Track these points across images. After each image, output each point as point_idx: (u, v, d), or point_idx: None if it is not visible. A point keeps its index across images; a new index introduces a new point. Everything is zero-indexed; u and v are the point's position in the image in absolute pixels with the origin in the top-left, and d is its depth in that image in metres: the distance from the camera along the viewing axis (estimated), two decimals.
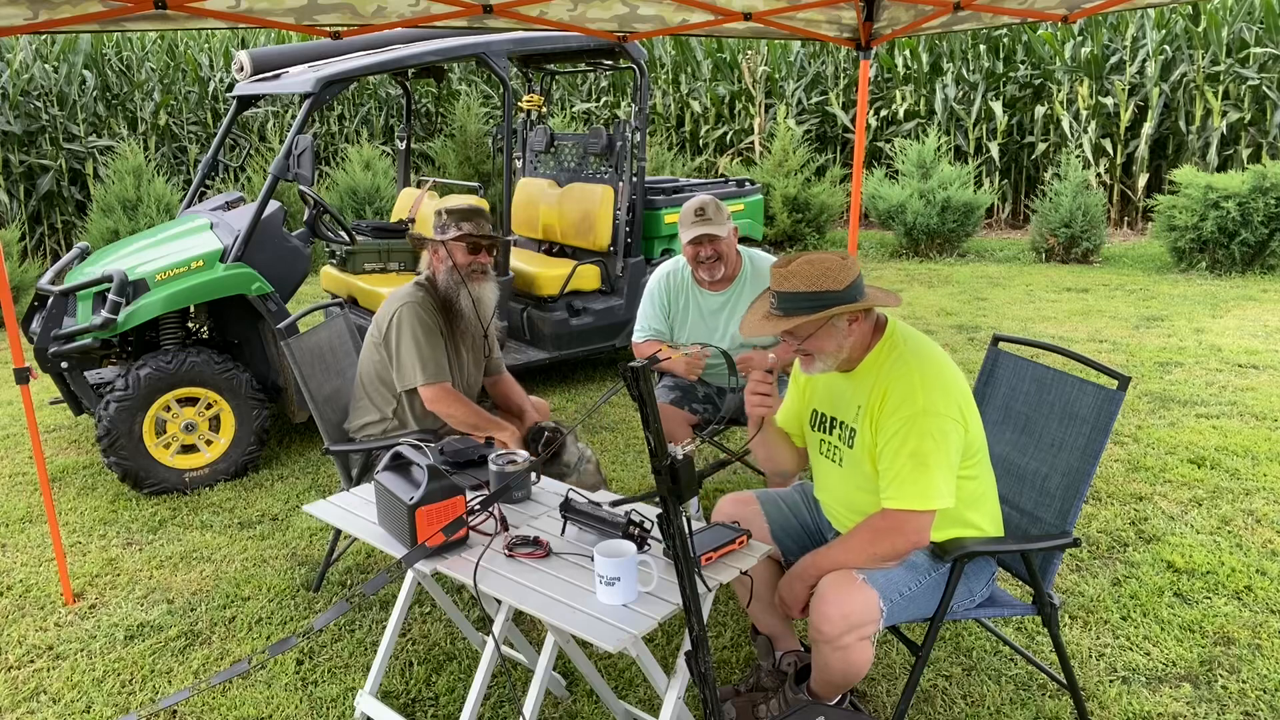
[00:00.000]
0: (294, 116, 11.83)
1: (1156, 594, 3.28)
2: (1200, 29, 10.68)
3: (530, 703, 2.24)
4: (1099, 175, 11.33)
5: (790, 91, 12.92)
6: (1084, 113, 11.11)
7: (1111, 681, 2.81)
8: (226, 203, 5.37)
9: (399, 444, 2.47)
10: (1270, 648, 2.95)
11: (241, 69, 5.34)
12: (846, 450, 2.42)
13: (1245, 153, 10.62)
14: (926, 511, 2.25)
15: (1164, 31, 11.00)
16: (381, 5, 3.19)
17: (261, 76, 5.33)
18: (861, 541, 2.30)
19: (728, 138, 13.18)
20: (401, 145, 6.61)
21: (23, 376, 3.26)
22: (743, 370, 3.49)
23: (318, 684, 2.91)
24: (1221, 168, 10.75)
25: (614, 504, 2.07)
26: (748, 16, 3.72)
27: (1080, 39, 11.33)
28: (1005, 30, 11.92)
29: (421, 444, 2.51)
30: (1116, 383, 2.43)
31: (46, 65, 10.64)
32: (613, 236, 5.69)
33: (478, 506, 2.41)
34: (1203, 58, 10.70)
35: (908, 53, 12.43)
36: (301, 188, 4.90)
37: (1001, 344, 2.86)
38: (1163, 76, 11.09)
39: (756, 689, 2.65)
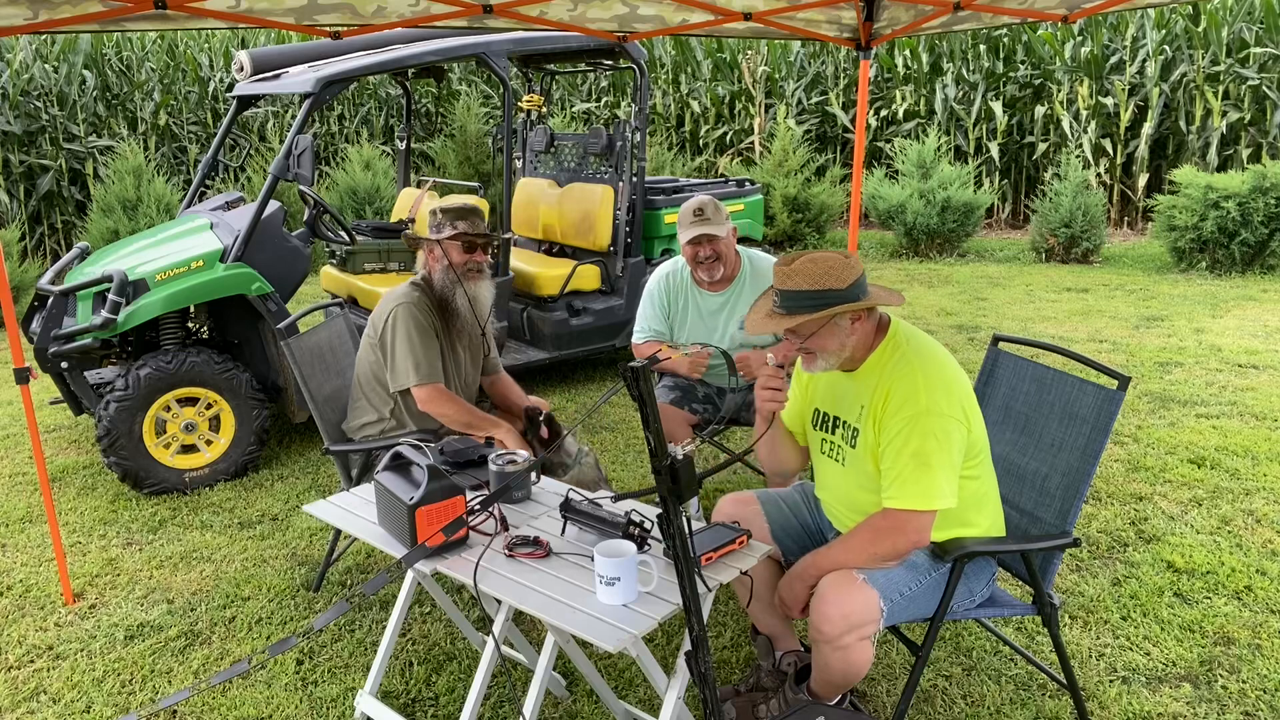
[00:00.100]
0: (294, 116, 11.83)
1: (1156, 594, 3.28)
2: (1200, 29, 10.68)
3: (530, 703, 2.24)
4: (1099, 175, 11.33)
5: (790, 91, 12.92)
6: (1084, 113, 11.11)
7: (1111, 681, 2.81)
8: (226, 203, 5.37)
9: (399, 444, 2.47)
10: (1270, 648, 2.95)
11: (241, 69, 5.34)
12: (849, 450, 2.42)
13: (1245, 153, 10.62)
14: (928, 511, 2.25)
15: (1164, 31, 11.00)
16: (381, 5, 3.19)
17: (261, 76, 5.33)
18: (862, 541, 2.30)
19: (728, 138, 13.18)
20: (401, 145, 6.60)
21: (23, 376, 3.26)
22: (743, 371, 3.49)
23: (318, 684, 2.91)
24: (1221, 168, 10.75)
25: (615, 499, 2.07)
26: (748, 16, 3.72)
27: (1080, 39, 11.33)
28: (1005, 30, 11.92)
29: (421, 444, 2.51)
30: (1116, 383, 2.43)
31: (46, 65, 10.64)
32: (613, 236, 5.69)
33: (478, 506, 2.41)
34: (1203, 58, 10.70)
35: (908, 53, 12.43)
36: (301, 188, 4.90)
37: (1001, 344, 2.86)
38: (1163, 76, 11.09)
39: (756, 689, 2.65)
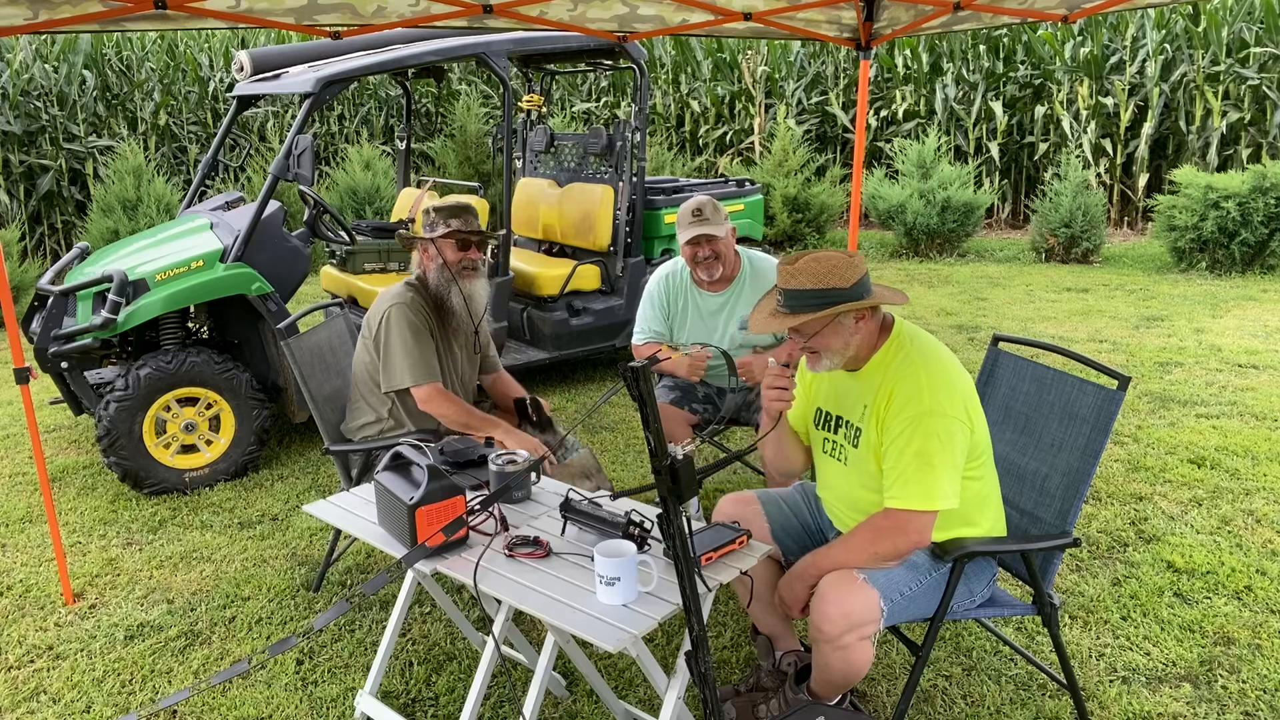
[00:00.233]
0: (294, 116, 11.83)
1: (1156, 594, 3.28)
2: (1200, 29, 10.69)
3: (530, 703, 2.24)
4: (1099, 175, 11.33)
5: (790, 91, 12.92)
6: (1084, 113, 11.11)
7: (1111, 681, 2.81)
8: (226, 203, 5.37)
9: (399, 444, 2.47)
10: (1270, 648, 2.95)
11: (241, 69, 5.34)
12: (851, 449, 2.42)
13: (1245, 153, 10.62)
14: (929, 511, 2.25)
15: (1164, 31, 11.00)
16: (381, 5, 3.19)
17: (261, 76, 5.33)
18: (863, 541, 2.30)
19: (728, 138, 13.18)
20: (401, 145, 6.61)
21: (23, 376, 3.26)
22: (743, 375, 3.49)
23: (318, 684, 2.91)
24: (1221, 168, 10.75)
25: (614, 496, 2.07)
26: (748, 16, 3.72)
27: (1080, 39, 11.33)
28: (1005, 30, 11.92)
29: (421, 444, 2.51)
30: (1116, 383, 2.43)
31: (46, 65, 10.64)
32: (613, 236, 5.69)
33: (478, 506, 2.41)
34: (1203, 58, 10.70)
35: (908, 53, 12.43)
36: (301, 188, 4.90)
37: (1001, 344, 2.86)
38: (1163, 76, 11.09)
39: (756, 689, 2.65)
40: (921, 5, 3.60)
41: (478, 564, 2.22)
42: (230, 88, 11.71)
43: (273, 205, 4.77)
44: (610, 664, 2.95)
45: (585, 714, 2.72)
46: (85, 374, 4.58)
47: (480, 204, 5.63)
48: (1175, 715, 2.66)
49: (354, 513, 2.58)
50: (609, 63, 6.02)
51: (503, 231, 5.29)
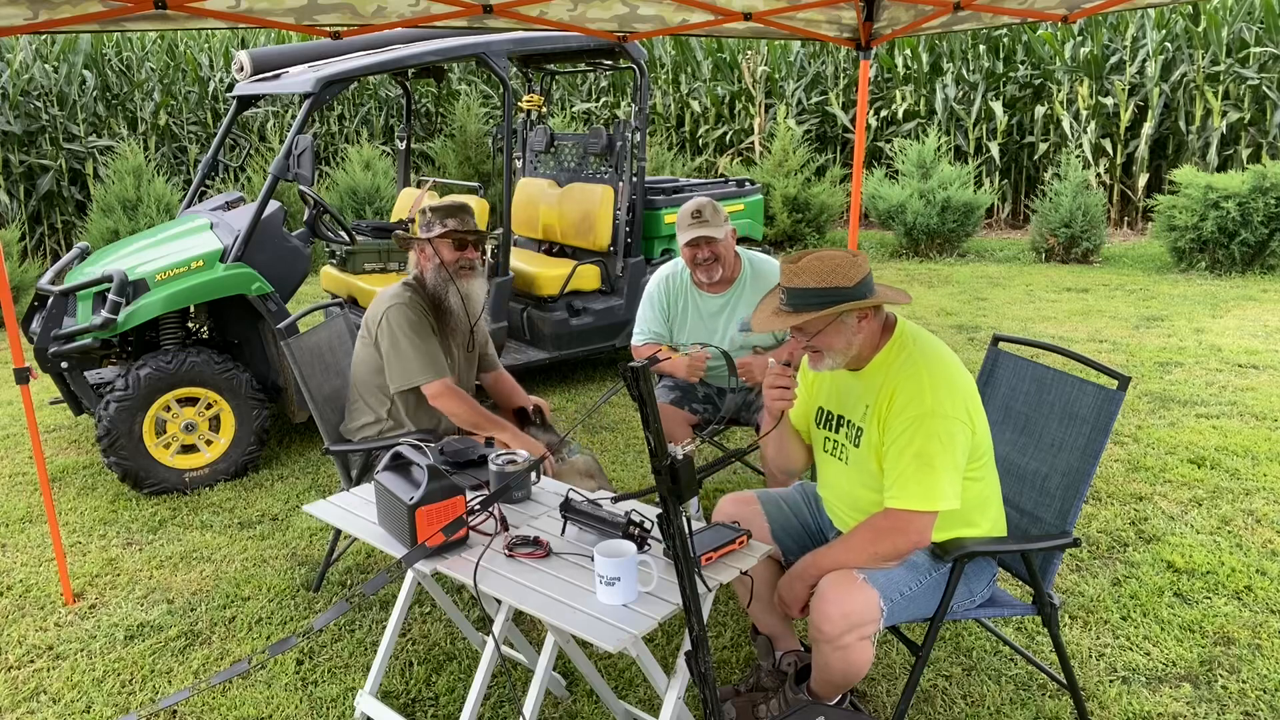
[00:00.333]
0: (294, 116, 11.83)
1: (1156, 594, 3.28)
2: (1200, 29, 10.69)
3: (530, 703, 2.24)
4: (1099, 175, 11.33)
5: (790, 91, 12.92)
6: (1084, 113, 11.11)
7: (1111, 681, 2.81)
8: (226, 203, 5.37)
9: (399, 444, 2.47)
10: (1270, 648, 2.95)
11: (241, 69, 5.34)
12: (852, 449, 2.42)
13: (1245, 153, 10.62)
14: (929, 512, 2.25)
15: (1164, 31, 11.00)
16: (381, 5, 3.19)
17: (261, 76, 5.33)
18: (863, 541, 2.30)
19: (728, 138, 13.18)
20: (401, 145, 6.61)
21: (23, 376, 3.26)
22: (744, 376, 3.48)
23: (318, 684, 2.91)
24: (1221, 168, 10.75)
25: (615, 499, 2.07)
26: (748, 16, 3.71)
27: (1080, 39, 11.33)
28: (1005, 30, 11.92)
29: (421, 444, 2.51)
30: (1116, 383, 2.43)
31: (46, 65, 10.63)
32: (613, 236, 5.69)
33: (478, 506, 2.41)
34: (1203, 58, 10.70)
35: (908, 52, 12.43)
36: (301, 188, 4.90)
37: (1001, 344, 2.86)
38: (1163, 76, 11.09)
39: (756, 689, 2.65)
40: (921, 5, 3.60)
41: (478, 564, 2.22)
42: (230, 88, 11.71)
43: (273, 205, 4.77)
44: (610, 664, 2.95)
45: (585, 714, 2.72)
46: (85, 374, 4.58)
47: (480, 204, 5.63)
48: (1175, 715, 2.66)
49: (354, 513, 2.58)
50: (609, 63, 6.02)
51: (498, 231, 5.29)
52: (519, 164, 6.70)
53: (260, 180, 10.23)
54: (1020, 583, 3.19)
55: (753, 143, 12.67)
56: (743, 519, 2.58)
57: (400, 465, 2.46)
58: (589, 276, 5.71)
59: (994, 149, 11.55)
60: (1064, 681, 2.56)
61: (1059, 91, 11.37)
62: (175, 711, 2.79)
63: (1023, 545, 2.39)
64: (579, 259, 5.85)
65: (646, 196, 5.82)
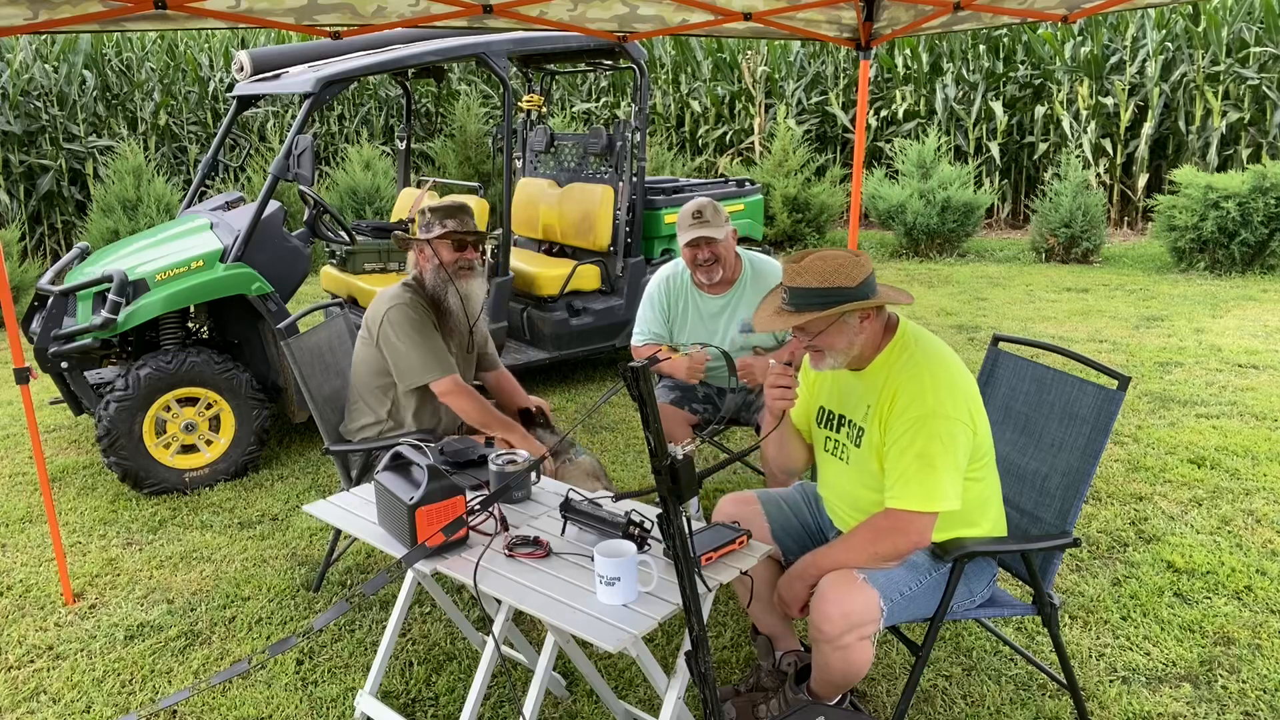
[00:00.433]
0: (294, 116, 11.83)
1: (1156, 594, 3.28)
2: (1200, 29, 10.69)
3: (530, 703, 2.24)
4: (1099, 175, 11.33)
5: (790, 91, 12.92)
6: (1084, 113, 11.11)
7: (1111, 681, 2.81)
8: (226, 203, 5.37)
9: (399, 444, 2.47)
10: (1270, 648, 2.95)
11: (241, 69, 5.34)
12: (853, 449, 2.42)
13: (1245, 153, 10.62)
14: (930, 512, 2.25)
15: (1164, 31, 11.00)
16: (381, 5, 3.19)
17: (261, 76, 5.33)
18: (863, 541, 2.30)
19: (728, 138, 13.18)
20: (401, 145, 6.61)
21: (23, 376, 3.26)
22: (744, 377, 3.48)
23: (318, 684, 2.91)
24: (1221, 168, 10.75)
25: (615, 498, 2.07)
26: (748, 16, 3.71)
27: (1080, 39, 11.33)
28: (1005, 30, 11.92)
29: (421, 444, 2.51)
30: (1116, 383, 2.43)
31: (46, 65, 10.64)
32: (613, 236, 5.69)
33: (478, 506, 2.41)
34: (1203, 58, 10.70)
35: (908, 52, 12.43)
36: (301, 188, 4.90)
37: (1001, 344, 2.86)
38: (1163, 76, 11.09)
39: (756, 689, 2.65)
40: (921, 5, 3.60)
41: (478, 564, 2.22)
42: (230, 88, 11.71)
43: (273, 205, 4.77)
44: (610, 664, 2.95)
45: (585, 714, 2.72)
46: (85, 374, 4.58)
47: (480, 204, 5.63)
48: (1175, 715, 2.66)
49: (354, 513, 2.58)
50: (609, 63, 6.02)
51: (497, 232, 5.29)
52: (519, 164, 6.70)
53: (260, 180, 10.23)
54: (1020, 583, 3.19)
55: (753, 143, 12.67)
56: (743, 519, 2.58)
57: (400, 465, 2.46)
58: (589, 276, 5.71)
59: (994, 149, 11.55)
60: (1064, 681, 2.56)
61: (1059, 91, 11.37)
62: (175, 711, 2.79)
63: (1023, 545, 2.39)
64: (579, 259, 5.85)
65: (646, 196, 5.82)
